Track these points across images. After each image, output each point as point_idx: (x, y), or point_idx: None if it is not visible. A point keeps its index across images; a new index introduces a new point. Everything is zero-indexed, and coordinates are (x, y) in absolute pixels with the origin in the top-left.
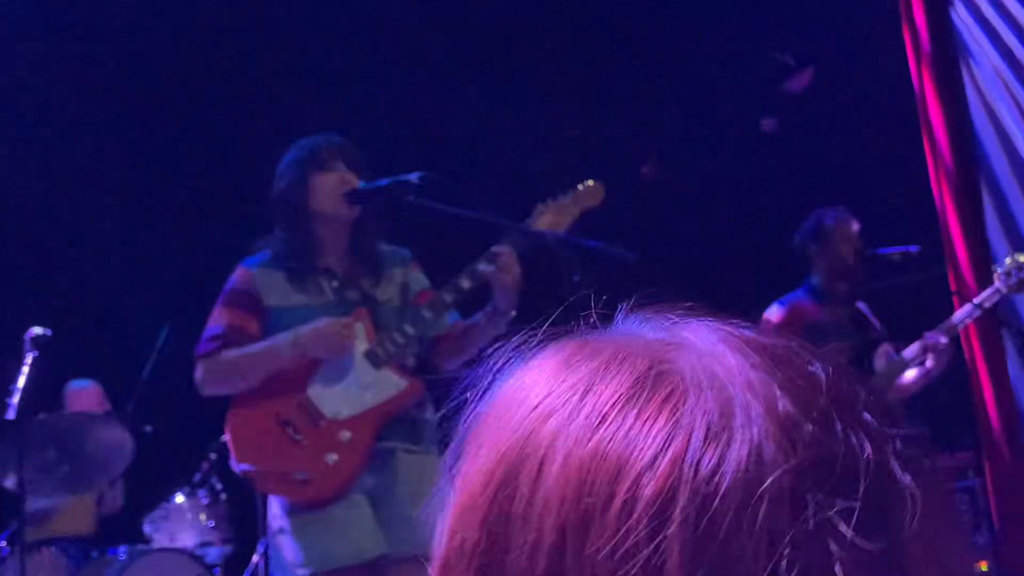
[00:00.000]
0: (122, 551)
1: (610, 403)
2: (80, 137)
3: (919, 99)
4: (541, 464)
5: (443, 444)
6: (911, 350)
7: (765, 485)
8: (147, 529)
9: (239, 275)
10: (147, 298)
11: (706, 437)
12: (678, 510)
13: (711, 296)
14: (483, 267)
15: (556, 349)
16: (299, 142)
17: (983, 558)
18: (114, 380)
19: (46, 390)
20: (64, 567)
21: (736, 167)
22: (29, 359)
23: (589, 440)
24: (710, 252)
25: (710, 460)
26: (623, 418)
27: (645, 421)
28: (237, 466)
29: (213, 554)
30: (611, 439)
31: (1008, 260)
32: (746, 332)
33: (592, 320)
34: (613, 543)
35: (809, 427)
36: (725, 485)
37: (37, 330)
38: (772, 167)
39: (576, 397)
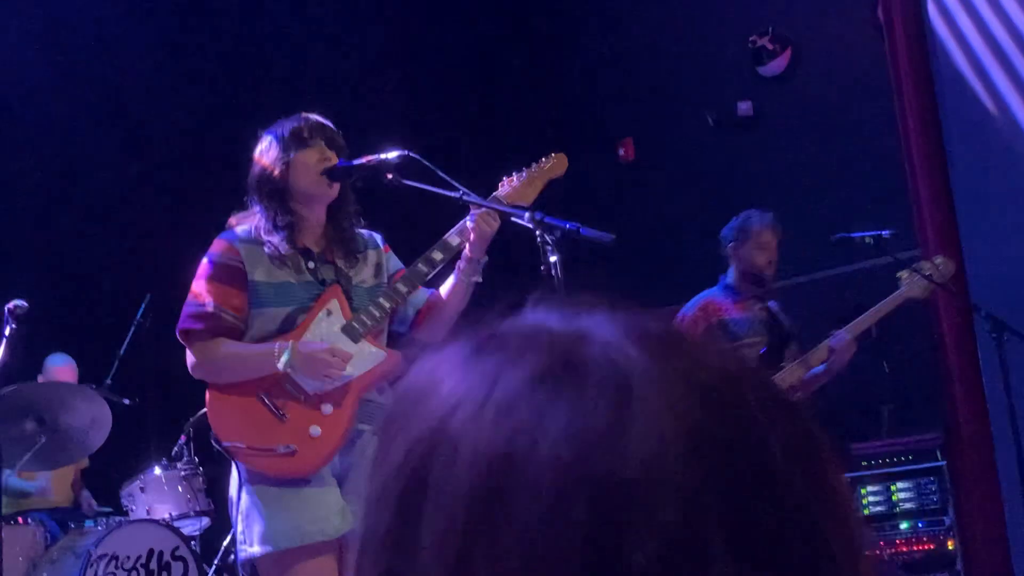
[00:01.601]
0: (100, 522)
1: (516, 392)
2: (59, 108)
3: (893, 83)
4: (452, 454)
5: None
6: (818, 350)
7: (665, 477)
8: (124, 501)
9: (223, 248)
10: (125, 271)
11: (608, 429)
12: (581, 501)
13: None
14: (454, 238)
15: (467, 339)
16: (280, 120)
17: (950, 538)
18: (92, 353)
19: (25, 363)
20: (41, 538)
21: (712, 149)
22: (7, 331)
23: (497, 429)
24: (683, 234)
25: (610, 448)
26: (528, 407)
27: (549, 410)
28: (221, 443)
29: (190, 526)
30: (517, 427)
31: (903, 272)
32: (648, 324)
33: (503, 311)
34: (519, 531)
35: (705, 419)
36: (626, 477)
37: (16, 302)
38: (747, 149)
39: (484, 387)
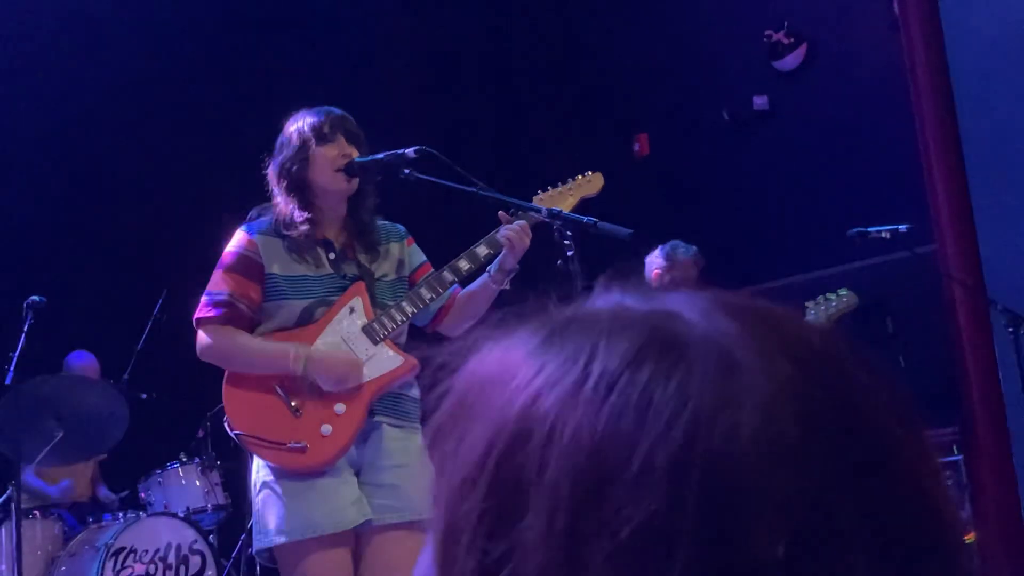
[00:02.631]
0: (119, 516)
1: (616, 371)
2: (77, 105)
3: (910, 79)
4: (550, 433)
5: (424, 422)
6: None
7: (783, 450)
8: (143, 495)
9: (241, 240)
10: (143, 266)
11: (716, 402)
12: (695, 475)
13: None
14: (483, 248)
15: (536, 325)
16: (300, 113)
17: (968, 531)
18: (110, 348)
19: (44, 357)
20: (60, 533)
21: (727, 144)
22: (26, 326)
23: (599, 409)
24: (699, 229)
25: (723, 424)
26: (632, 385)
27: (655, 388)
28: (232, 431)
29: (208, 519)
30: (623, 406)
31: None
32: (731, 299)
33: (567, 296)
34: (629, 509)
35: (815, 388)
36: (739, 450)
37: (34, 298)
38: (762, 144)
39: (578, 368)
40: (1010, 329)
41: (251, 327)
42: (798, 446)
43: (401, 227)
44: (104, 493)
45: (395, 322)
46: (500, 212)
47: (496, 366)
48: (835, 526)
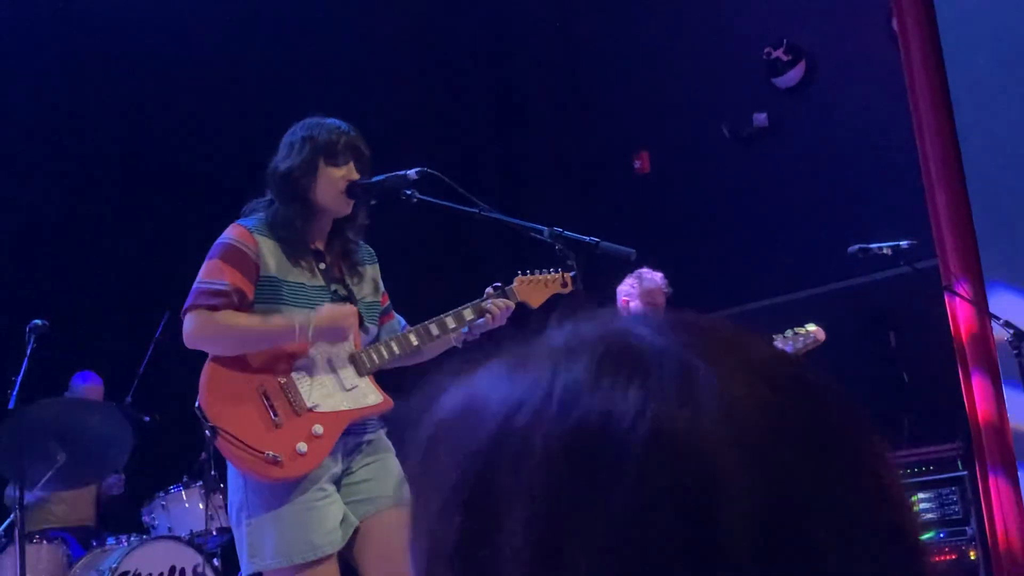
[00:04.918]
0: (122, 540)
1: (578, 383)
2: (75, 125)
3: (910, 94)
4: (522, 447)
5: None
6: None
7: (740, 438)
8: (146, 519)
9: (239, 233)
10: (144, 289)
11: (676, 400)
12: (665, 472)
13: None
14: (469, 312)
15: (497, 362)
16: (313, 123)
17: (972, 548)
18: (112, 371)
19: (46, 381)
20: (64, 557)
21: (727, 161)
22: (28, 350)
23: (567, 417)
24: (700, 246)
25: (684, 419)
26: (594, 393)
27: (616, 393)
28: (207, 421)
29: (212, 542)
30: (589, 411)
31: (778, 336)
32: (679, 317)
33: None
34: (605, 507)
35: (771, 389)
36: (702, 441)
37: (36, 322)
38: (763, 161)
39: (542, 387)
40: (1012, 344)
41: None
42: (759, 437)
43: (371, 249)
44: (114, 479)
45: (382, 358)
46: (487, 288)
47: (464, 402)
48: (802, 515)
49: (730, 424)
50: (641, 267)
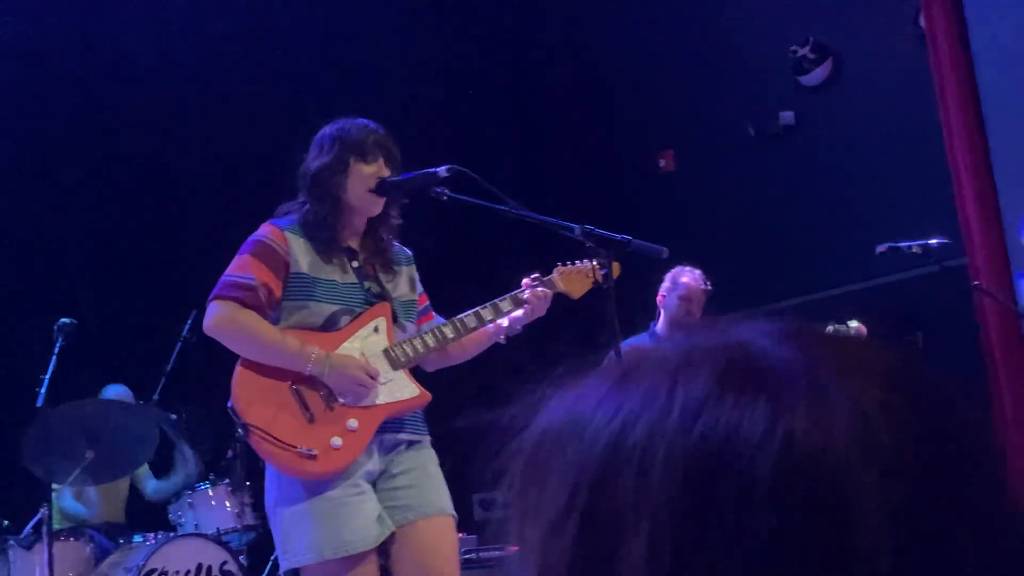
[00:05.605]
0: (149, 537)
1: (700, 398)
2: (105, 131)
3: (937, 91)
4: (641, 463)
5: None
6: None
7: (875, 455)
8: (172, 516)
9: (271, 232)
10: (171, 287)
11: (807, 418)
12: (798, 487)
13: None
14: (506, 303)
15: (602, 374)
16: (343, 122)
17: None
18: (140, 369)
19: (74, 379)
20: (91, 554)
21: (753, 159)
22: (57, 349)
23: (689, 433)
24: (725, 245)
25: (817, 437)
26: (720, 407)
27: (745, 405)
28: (239, 419)
29: (238, 540)
30: (713, 427)
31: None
32: (789, 326)
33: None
34: (735, 522)
35: (895, 397)
36: (836, 458)
37: (64, 320)
38: (789, 159)
39: (660, 400)
40: None
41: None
42: (893, 454)
43: (408, 250)
44: (154, 486)
45: (417, 352)
46: (524, 279)
47: (568, 416)
48: (938, 530)
49: (863, 438)
50: (672, 266)
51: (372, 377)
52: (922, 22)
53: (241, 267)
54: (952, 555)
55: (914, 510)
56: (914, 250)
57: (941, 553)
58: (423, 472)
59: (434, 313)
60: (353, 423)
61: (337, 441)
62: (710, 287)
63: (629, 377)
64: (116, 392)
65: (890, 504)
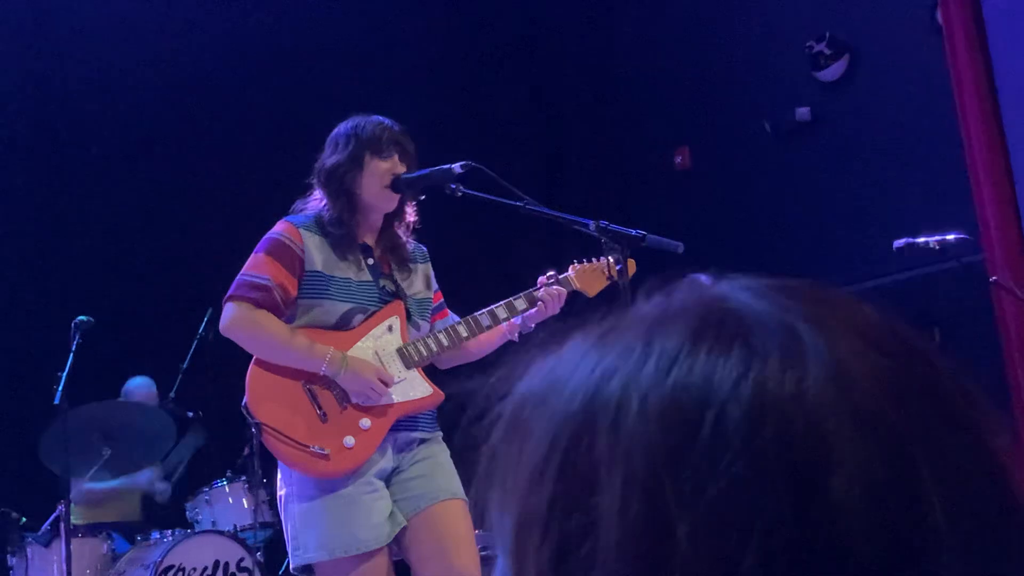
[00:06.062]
0: (166, 534)
1: (675, 349)
2: (123, 123)
3: (955, 86)
4: (616, 413)
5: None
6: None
7: (847, 398)
8: (190, 514)
9: (286, 229)
10: (188, 285)
11: (780, 363)
12: (768, 430)
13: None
14: (521, 302)
15: (587, 332)
16: (358, 119)
17: None
18: (156, 366)
19: (92, 377)
20: (108, 551)
21: (769, 156)
22: (74, 346)
23: (664, 381)
24: (741, 242)
25: (790, 380)
26: (694, 357)
27: (718, 355)
28: (252, 418)
29: (255, 537)
30: (687, 375)
31: None
32: (774, 280)
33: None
34: (709, 469)
35: (875, 353)
36: (809, 402)
37: (81, 318)
38: (806, 155)
39: (637, 353)
40: None
41: (279, 316)
42: (872, 403)
43: (424, 247)
44: (161, 487)
45: (431, 351)
46: (540, 277)
47: (549, 376)
48: (912, 480)
49: (839, 388)
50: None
51: (386, 384)
52: (939, 17)
53: (256, 266)
54: (922, 504)
55: (887, 458)
56: (931, 246)
57: (911, 502)
58: (434, 462)
59: (448, 310)
60: (366, 422)
61: (350, 440)
62: None
63: (607, 336)
64: (139, 384)
65: (864, 451)
